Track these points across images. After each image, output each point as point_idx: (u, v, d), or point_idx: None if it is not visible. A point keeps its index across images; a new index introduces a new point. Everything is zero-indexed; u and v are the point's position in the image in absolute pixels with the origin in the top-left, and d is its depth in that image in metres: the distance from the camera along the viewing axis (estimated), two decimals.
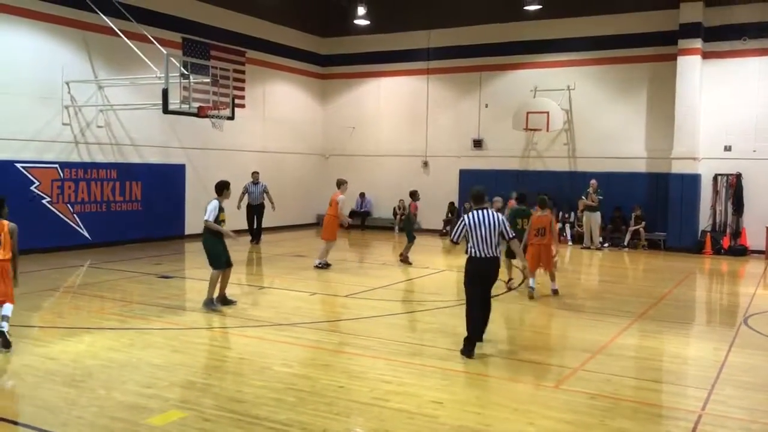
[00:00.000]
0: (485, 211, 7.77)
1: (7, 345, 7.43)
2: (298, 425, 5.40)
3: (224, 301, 10.07)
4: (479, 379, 6.75)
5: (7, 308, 7.64)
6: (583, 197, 18.82)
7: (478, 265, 7.68)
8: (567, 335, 9.19)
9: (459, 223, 7.89)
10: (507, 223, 7.97)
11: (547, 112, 19.57)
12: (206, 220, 9.82)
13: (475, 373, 6.98)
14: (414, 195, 15.46)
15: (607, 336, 8.74)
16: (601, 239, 18.88)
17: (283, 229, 21.36)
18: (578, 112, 20.27)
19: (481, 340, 7.83)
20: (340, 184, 14.33)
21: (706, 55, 18.36)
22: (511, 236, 7.93)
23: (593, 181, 18.81)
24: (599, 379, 6.85)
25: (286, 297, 11.09)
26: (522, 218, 12.17)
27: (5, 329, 7.51)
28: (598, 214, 18.65)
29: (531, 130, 19.93)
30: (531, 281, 11.34)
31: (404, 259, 15.01)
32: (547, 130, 19.77)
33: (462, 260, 15.91)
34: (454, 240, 7.88)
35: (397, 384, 6.50)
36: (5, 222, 8.01)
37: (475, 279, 7.73)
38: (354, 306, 10.76)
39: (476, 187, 8.02)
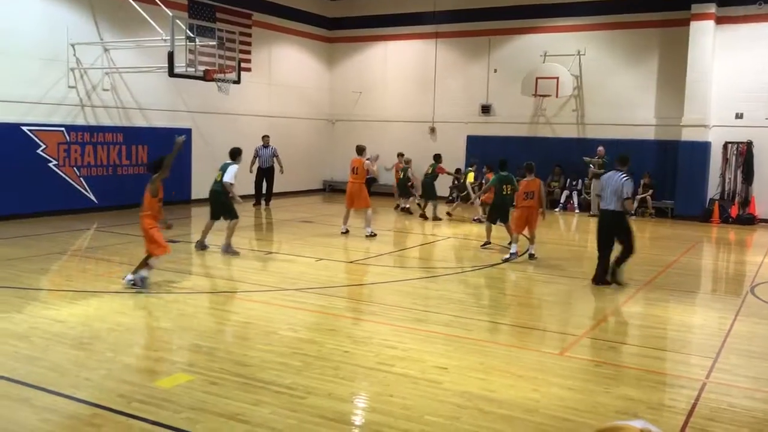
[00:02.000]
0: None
1: None
2: (304, 389, 5.44)
3: (203, 246, 11.75)
4: (484, 346, 6.78)
5: None
6: (591, 166, 18.66)
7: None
8: (572, 303, 9.20)
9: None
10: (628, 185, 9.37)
11: (557, 78, 19.36)
12: (231, 183, 11.34)
13: (479, 339, 7.01)
14: (438, 158, 17.46)
15: (612, 304, 8.76)
16: None
17: (289, 194, 21.35)
18: (588, 77, 20.04)
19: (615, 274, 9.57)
20: (362, 150, 14.08)
21: (720, 21, 18.04)
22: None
23: (600, 148, 18.67)
24: (604, 347, 6.88)
25: (292, 262, 11.12)
26: (506, 184, 12.36)
27: None
28: None
29: (540, 95, 19.75)
30: (513, 247, 11.70)
31: (436, 218, 16.66)
32: (557, 96, 19.59)
33: (468, 228, 16.05)
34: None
35: (402, 349, 6.54)
36: None
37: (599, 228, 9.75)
38: (360, 272, 10.79)
39: (623, 154, 10.29)
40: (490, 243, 12.70)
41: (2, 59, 14.18)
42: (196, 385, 5.48)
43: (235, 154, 11.67)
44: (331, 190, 23.55)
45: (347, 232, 13.80)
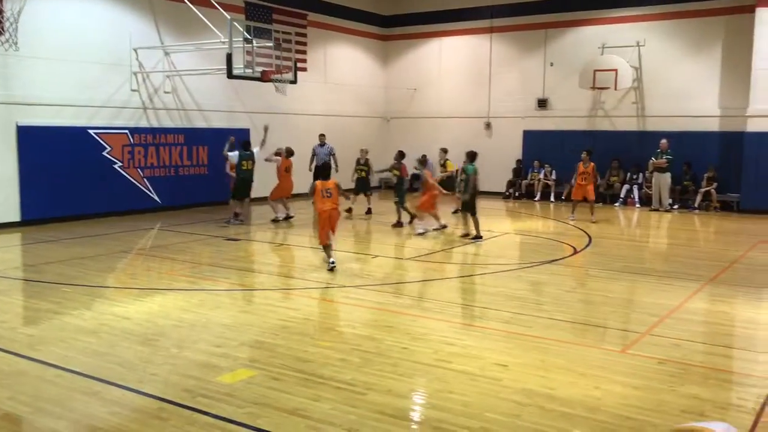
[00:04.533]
0: None
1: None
2: (363, 385, 5.48)
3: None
4: (543, 343, 6.70)
5: None
6: (653, 158, 18.23)
7: None
8: (634, 299, 9.01)
9: None
10: None
11: (616, 70, 18.97)
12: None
13: (539, 336, 6.93)
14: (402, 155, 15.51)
15: (676, 300, 8.52)
16: (670, 201, 18.32)
17: (345, 192, 21.44)
18: (648, 69, 19.54)
19: None
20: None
21: None
22: None
23: (663, 141, 18.19)
24: (668, 344, 6.71)
25: (349, 259, 11.20)
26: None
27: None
28: (668, 175, 18.07)
29: (598, 88, 19.37)
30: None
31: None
32: (616, 89, 19.19)
33: (525, 224, 15.86)
34: None
35: (460, 346, 6.52)
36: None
37: None
38: (416, 268, 10.80)
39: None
40: (469, 234, 13.07)
41: (70, 66, 14.71)
42: (258, 381, 5.58)
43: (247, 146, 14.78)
44: (387, 186, 23.60)
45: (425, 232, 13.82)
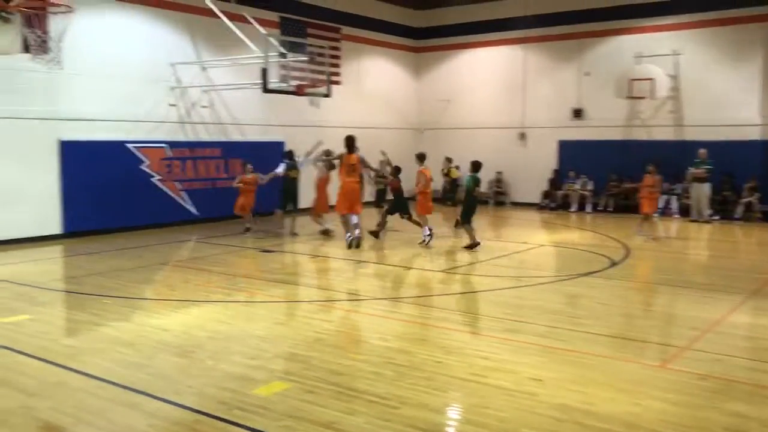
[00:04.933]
0: None
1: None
2: (397, 399, 5.46)
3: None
4: (580, 357, 6.60)
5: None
6: (692, 168, 17.89)
7: None
8: (673, 312, 8.84)
9: None
10: None
11: (652, 79, 18.72)
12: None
13: (575, 350, 6.83)
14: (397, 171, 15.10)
15: (717, 313, 8.33)
16: (710, 212, 17.96)
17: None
18: (686, 78, 19.24)
19: None
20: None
21: None
22: None
23: (702, 150, 17.84)
24: (709, 359, 6.55)
25: (383, 271, 11.20)
26: (477, 185, 13.20)
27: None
28: (707, 185, 17.70)
29: (635, 98, 19.12)
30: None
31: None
32: (652, 98, 18.93)
33: (561, 235, 15.68)
34: None
35: (495, 360, 6.46)
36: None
37: None
38: (450, 281, 10.75)
39: None
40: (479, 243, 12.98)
41: (110, 82, 15.05)
42: (293, 393, 5.60)
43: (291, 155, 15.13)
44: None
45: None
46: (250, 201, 15.34)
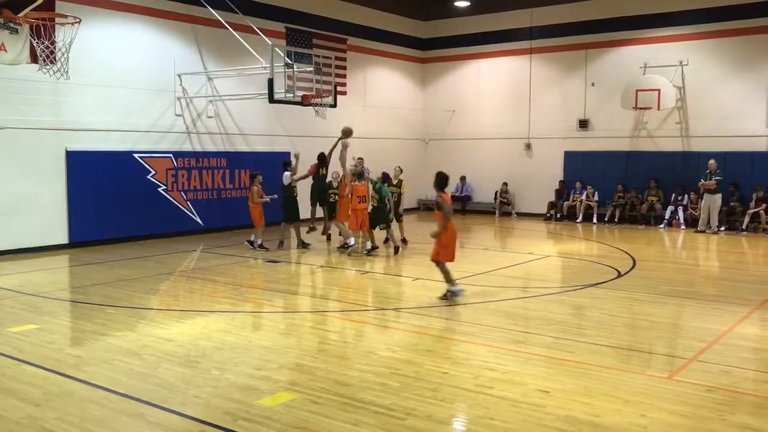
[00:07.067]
0: None
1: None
2: (403, 410, 5.44)
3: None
4: (587, 369, 6.56)
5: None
6: (702, 179, 17.81)
7: None
8: (680, 324, 8.79)
9: None
10: None
11: (658, 90, 18.71)
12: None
13: (582, 362, 6.79)
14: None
15: (724, 325, 8.29)
16: (718, 223, 17.89)
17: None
18: (692, 88, 19.24)
19: None
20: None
21: None
22: None
23: (712, 162, 17.77)
24: (717, 371, 6.51)
25: (388, 282, 11.18)
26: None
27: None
28: (718, 197, 17.60)
29: (641, 108, 19.12)
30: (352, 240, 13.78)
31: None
32: (659, 108, 18.91)
33: (567, 246, 15.64)
34: None
35: (502, 371, 6.43)
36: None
37: None
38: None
39: None
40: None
41: (117, 92, 15.14)
42: (298, 404, 5.58)
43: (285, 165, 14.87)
44: (426, 208, 23.58)
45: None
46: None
